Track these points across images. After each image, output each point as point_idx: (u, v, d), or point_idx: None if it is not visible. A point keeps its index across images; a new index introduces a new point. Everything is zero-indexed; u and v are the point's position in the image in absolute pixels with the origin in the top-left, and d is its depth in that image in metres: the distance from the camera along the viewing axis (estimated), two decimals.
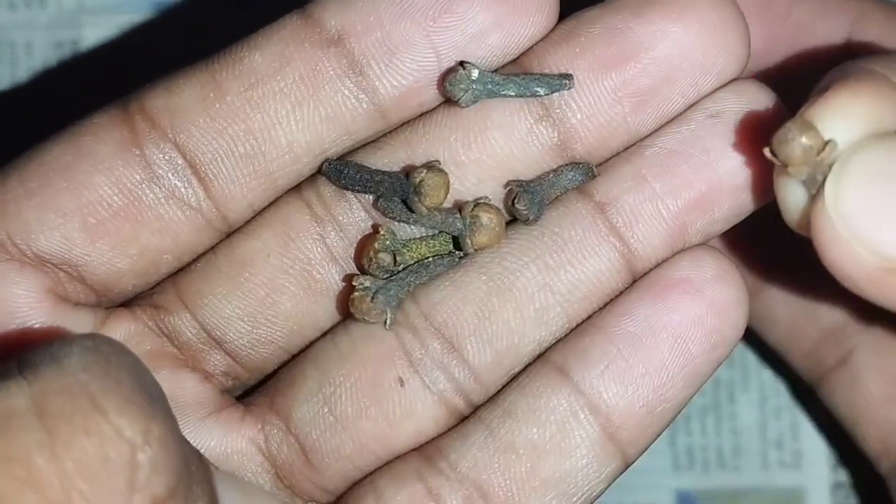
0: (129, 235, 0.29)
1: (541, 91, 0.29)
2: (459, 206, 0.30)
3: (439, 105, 0.30)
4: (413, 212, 0.29)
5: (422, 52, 0.29)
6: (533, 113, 0.29)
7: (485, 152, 0.30)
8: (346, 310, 0.30)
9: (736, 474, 0.43)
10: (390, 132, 0.30)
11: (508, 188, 0.30)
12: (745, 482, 0.43)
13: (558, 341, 0.30)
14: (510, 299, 0.30)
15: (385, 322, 0.29)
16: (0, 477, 0.20)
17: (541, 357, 0.30)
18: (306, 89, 0.29)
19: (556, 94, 0.29)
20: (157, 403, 0.22)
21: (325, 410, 0.30)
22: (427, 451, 0.30)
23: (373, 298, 0.29)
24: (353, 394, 0.30)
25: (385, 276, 0.30)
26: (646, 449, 0.30)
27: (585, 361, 0.29)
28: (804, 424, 0.42)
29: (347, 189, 0.30)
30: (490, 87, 0.29)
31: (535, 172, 0.30)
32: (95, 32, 0.44)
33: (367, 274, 0.30)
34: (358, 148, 0.30)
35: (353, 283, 0.29)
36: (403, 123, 0.30)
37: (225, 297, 0.30)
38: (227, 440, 0.30)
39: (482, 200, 0.29)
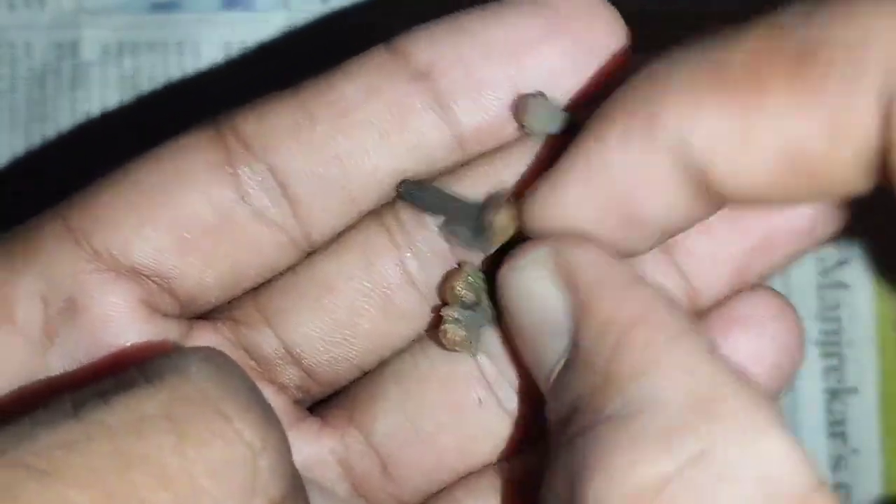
0: (219, 250, 0.30)
1: None
2: None
3: (516, 140, 0.31)
4: (483, 241, 0.30)
5: (503, 90, 0.30)
6: None
7: None
8: (425, 331, 0.31)
9: None
10: (468, 163, 0.31)
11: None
12: None
13: None
14: None
15: (472, 351, 0.31)
16: (138, 474, 0.22)
17: None
18: (393, 120, 0.30)
19: None
20: (270, 414, 0.24)
21: (408, 426, 0.31)
22: (504, 466, 0.31)
23: (465, 330, 0.30)
24: (434, 411, 0.31)
25: (468, 307, 0.31)
26: None
27: None
28: (804, 424, 0.42)
29: (420, 209, 0.31)
30: (559, 124, 0.30)
31: None
32: (95, 33, 0.44)
33: (446, 304, 0.31)
34: (436, 177, 0.31)
35: (442, 314, 0.30)
36: (481, 155, 0.31)
37: (306, 316, 0.31)
38: (306, 451, 0.31)
39: None
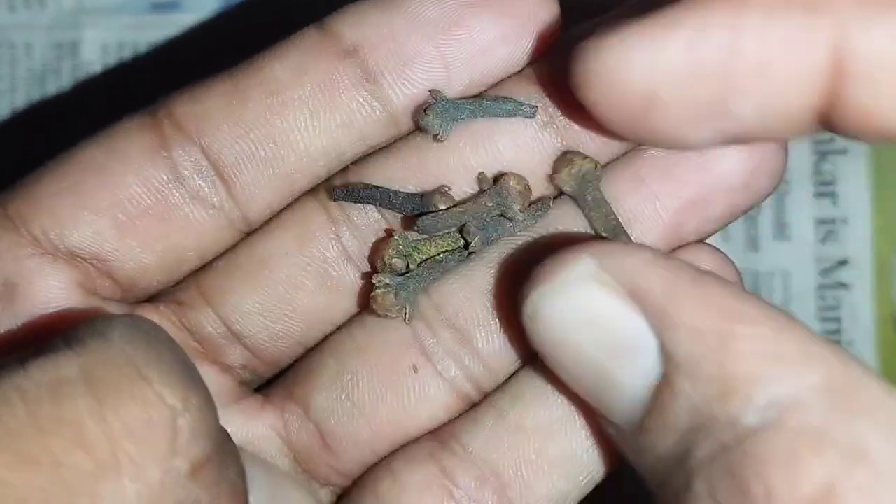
0: (156, 233, 0.30)
1: (503, 111, 0.30)
2: (482, 188, 0.31)
3: None
4: (428, 228, 0.30)
5: (432, 64, 0.30)
6: (538, 119, 0.30)
7: (492, 157, 0.30)
8: (363, 304, 0.31)
9: None
10: (402, 138, 0.31)
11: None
12: None
13: None
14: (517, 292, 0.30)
15: (405, 317, 0.31)
16: (53, 438, 0.22)
17: None
18: (323, 97, 0.30)
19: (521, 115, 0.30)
20: (193, 376, 0.24)
21: (343, 397, 0.31)
22: (440, 434, 0.31)
23: (395, 295, 0.30)
24: (369, 381, 0.31)
25: (400, 274, 0.31)
26: None
27: None
28: None
29: (361, 203, 0.31)
30: (460, 113, 0.30)
31: (539, 175, 0.30)
32: (95, 34, 0.44)
33: (380, 272, 0.31)
34: (371, 153, 0.31)
35: (373, 281, 0.30)
36: (415, 129, 0.31)
37: (245, 294, 0.31)
38: (247, 427, 0.31)
39: (503, 175, 0.30)
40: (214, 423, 0.24)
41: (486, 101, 0.30)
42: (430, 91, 0.30)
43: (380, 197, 0.31)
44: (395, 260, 0.30)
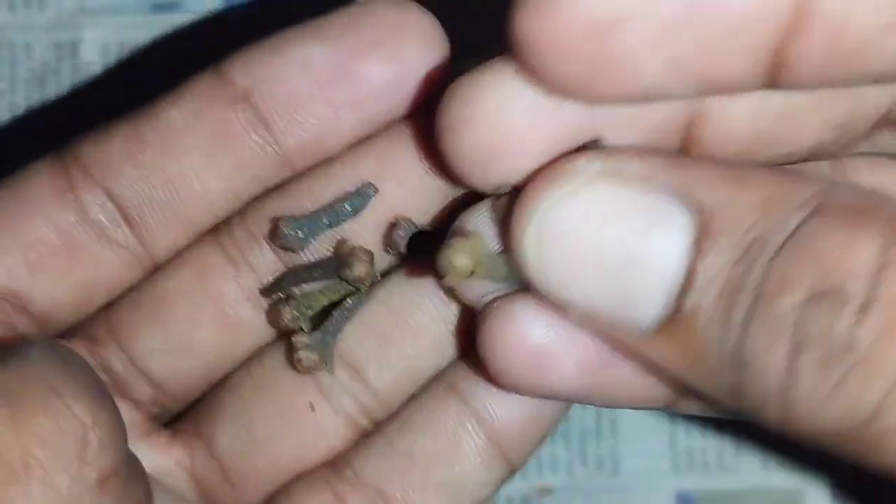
0: (66, 270, 0.32)
1: (350, 210, 0.32)
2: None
3: (340, 154, 0.32)
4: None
5: (321, 107, 0.31)
6: (425, 164, 0.32)
7: (381, 200, 0.32)
8: (261, 342, 0.33)
9: (736, 475, 0.43)
10: (296, 178, 0.33)
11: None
12: (744, 483, 0.43)
13: (452, 364, 0.33)
14: (408, 330, 0.33)
15: (330, 370, 0.32)
16: None
17: (436, 377, 0.33)
18: (218, 142, 0.32)
19: (367, 201, 0.32)
20: (104, 396, 0.27)
21: (245, 436, 0.33)
22: (335, 462, 0.33)
23: (315, 352, 0.32)
24: (268, 420, 0.33)
25: (314, 328, 0.32)
26: (531, 454, 0.33)
27: (472, 377, 0.32)
28: None
29: (289, 287, 0.33)
30: (309, 233, 0.32)
31: (426, 216, 0.32)
32: (95, 34, 0.44)
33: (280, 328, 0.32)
34: (267, 193, 0.33)
35: (293, 341, 0.32)
36: (308, 169, 0.32)
37: (149, 332, 0.33)
38: (156, 461, 0.33)
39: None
40: (123, 441, 0.27)
41: (332, 210, 0.32)
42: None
43: (303, 276, 0.32)
44: (292, 324, 0.32)
